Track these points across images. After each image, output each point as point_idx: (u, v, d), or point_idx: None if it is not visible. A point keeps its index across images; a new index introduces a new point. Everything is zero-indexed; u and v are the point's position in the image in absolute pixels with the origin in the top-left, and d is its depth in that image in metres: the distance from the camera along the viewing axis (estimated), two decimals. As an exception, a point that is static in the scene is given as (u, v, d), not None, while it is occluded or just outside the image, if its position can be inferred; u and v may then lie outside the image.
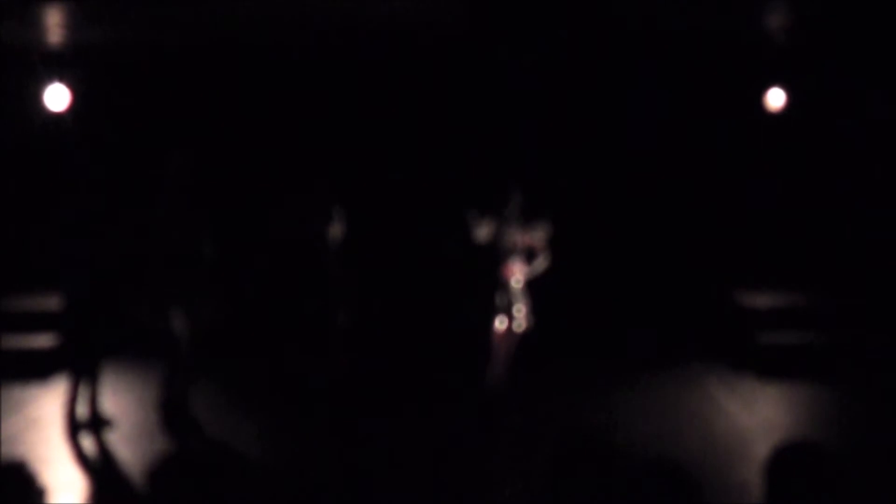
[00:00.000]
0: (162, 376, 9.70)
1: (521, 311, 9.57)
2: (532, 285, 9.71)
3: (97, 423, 9.71)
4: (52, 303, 11.44)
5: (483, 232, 9.47)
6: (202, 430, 9.62)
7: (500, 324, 9.51)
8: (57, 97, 12.34)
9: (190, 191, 9.56)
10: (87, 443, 9.48)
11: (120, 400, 10.46)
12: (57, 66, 12.25)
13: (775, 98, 12.79)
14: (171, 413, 9.66)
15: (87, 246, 9.55)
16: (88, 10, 9.40)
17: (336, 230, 9.72)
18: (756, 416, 10.26)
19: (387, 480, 8.42)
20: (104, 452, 9.32)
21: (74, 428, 9.65)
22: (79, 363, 9.75)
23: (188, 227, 9.52)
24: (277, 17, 9.60)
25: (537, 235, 9.64)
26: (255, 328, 10.67)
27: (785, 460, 3.83)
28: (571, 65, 12.93)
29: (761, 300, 12.29)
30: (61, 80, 12.32)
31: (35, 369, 11.17)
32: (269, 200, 9.77)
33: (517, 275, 9.59)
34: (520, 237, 9.58)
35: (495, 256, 9.51)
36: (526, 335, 9.69)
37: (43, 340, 11.50)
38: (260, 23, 9.92)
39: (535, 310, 9.69)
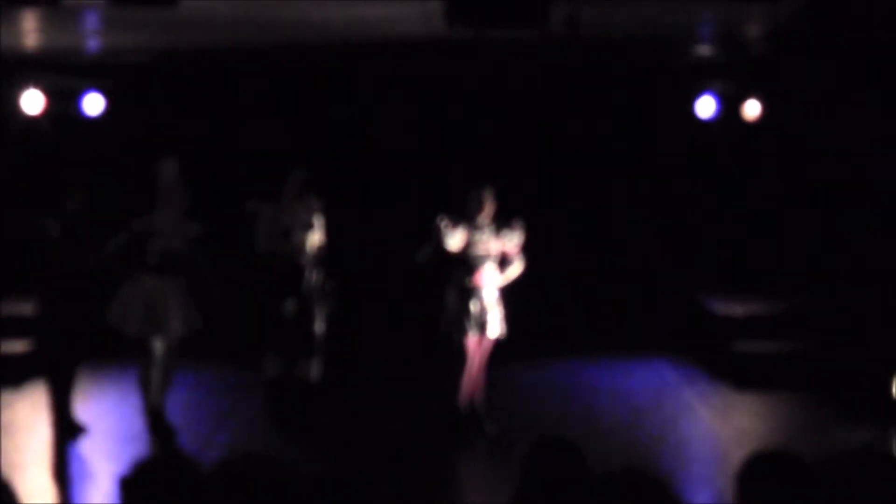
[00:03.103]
0: (138, 382, 9.65)
1: (495, 318, 9.55)
2: (506, 292, 9.70)
3: (72, 430, 9.64)
4: (24, 308, 11.36)
5: (456, 239, 9.44)
6: (179, 436, 9.58)
7: (473, 331, 9.48)
8: (32, 102, 12.30)
9: (176, 198, 9.55)
10: (61, 449, 9.41)
11: (95, 406, 10.40)
12: (34, 71, 12.20)
13: (751, 107, 12.85)
14: (149, 419, 9.62)
15: (65, 251, 9.50)
16: (68, 15, 9.35)
17: (315, 237, 9.70)
18: (732, 425, 10.28)
19: (362, 488, 8.38)
20: (78, 459, 9.27)
21: (49, 434, 9.58)
22: (54, 369, 9.68)
23: (171, 234, 9.51)
24: (256, 27, 9.59)
25: (511, 241, 9.62)
26: (234, 333, 10.64)
27: (760, 469, 3.82)
28: (545, 70, 12.95)
29: (739, 308, 12.31)
30: (36, 84, 12.27)
31: (7, 375, 11.08)
32: (249, 207, 9.74)
33: (491, 281, 9.57)
34: (493, 243, 9.56)
35: (468, 263, 9.49)
36: (500, 342, 9.67)
37: (15, 346, 11.42)
38: (239, 31, 9.90)
39: (510, 316, 9.67)
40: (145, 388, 9.62)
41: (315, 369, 9.73)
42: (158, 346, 9.56)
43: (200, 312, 9.65)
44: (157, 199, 9.58)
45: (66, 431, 9.60)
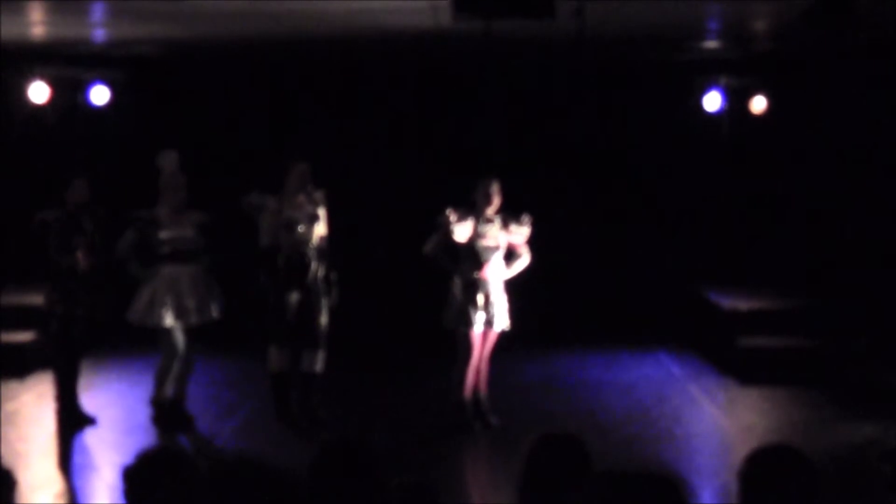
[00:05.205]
0: (158, 372, 9.64)
1: (500, 311, 9.53)
2: (512, 284, 9.69)
3: (79, 421, 9.65)
4: (29, 298, 11.37)
5: (463, 231, 9.43)
6: (188, 427, 9.58)
7: (479, 324, 9.47)
8: (38, 92, 12.31)
9: (177, 188, 9.55)
10: (66, 440, 9.42)
11: (100, 397, 10.42)
12: (39, 61, 12.21)
13: (758, 102, 12.86)
14: (163, 410, 9.62)
15: (68, 242, 9.51)
16: (74, 6, 9.36)
17: (319, 230, 9.69)
18: (737, 420, 10.27)
19: (367, 479, 8.38)
20: (82, 450, 9.27)
21: (54, 424, 9.60)
22: (61, 359, 9.69)
23: (177, 224, 9.51)
24: (261, 19, 9.59)
25: (518, 234, 9.61)
26: (238, 326, 10.64)
27: (764, 464, 3.82)
28: (551, 63, 12.94)
29: (744, 303, 12.29)
30: (41, 75, 12.29)
31: (12, 365, 11.10)
32: (253, 199, 9.74)
33: (497, 274, 9.56)
34: (500, 236, 9.55)
35: (475, 255, 9.48)
36: (505, 335, 9.66)
37: (20, 336, 11.44)
38: (244, 23, 9.90)
39: (515, 309, 9.66)
40: (164, 378, 9.61)
41: (319, 362, 9.71)
42: (180, 336, 9.55)
43: (218, 301, 9.66)
44: (159, 190, 9.59)
45: (72, 422, 9.61)
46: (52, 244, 9.51)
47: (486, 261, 9.50)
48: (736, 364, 11.63)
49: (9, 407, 10.24)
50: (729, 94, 13.01)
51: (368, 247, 12.72)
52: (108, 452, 9.12)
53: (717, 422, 10.31)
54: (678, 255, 13.38)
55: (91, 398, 10.09)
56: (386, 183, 13.26)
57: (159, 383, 9.63)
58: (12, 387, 10.81)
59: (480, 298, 9.46)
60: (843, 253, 12.25)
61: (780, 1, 8.60)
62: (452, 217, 9.44)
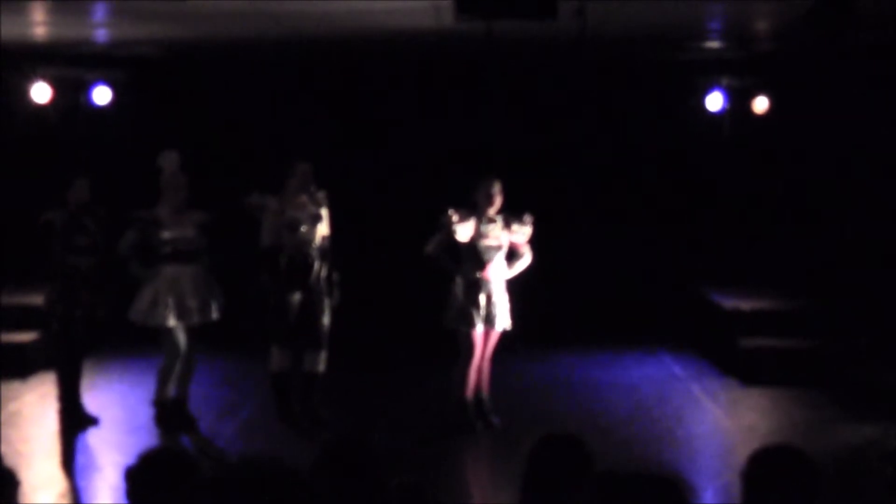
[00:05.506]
0: (161, 372, 9.63)
1: (502, 311, 9.54)
2: (513, 284, 9.69)
3: (82, 421, 9.65)
4: (31, 298, 11.37)
5: (465, 230, 9.44)
6: (188, 428, 9.57)
7: (481, 323, 9.47)
8: (40, 92, 12.31)
9: (178, 188, 9.54)
10: (68, 440, 9.43)
11: (102, 397, 10.42)
12: (41, 62, 12.22)
13: (760, 102, 12.86)
14: (165, 410, 9.61)
15: (69, 242, 9.52)
16: (76, 7, 9.36)
17: (321, 230, 9.69)
18: (739, 421, 10.28)
19: (367, 479, 8.37)
20: (84, 450, 9.28)
21: (56, 424, 9.60)
22: (64, 360, 9.69)
23: (178, 224, 9.51)
24: (262, 19, 9.59)
25: (520, 234, 9.62)
26: (240, 326, 10.65)
27: (766, 465, 3.82)
28: (553, 64, 12.94)
29: (746, 303, 12.29)
30: (43, 76, 12.29)
31: (14, 365, 11.10)
32: (254, 200, 9.73)
33: (499, 274, 9.56)
34: (502, 236, 9.55)
35: (477, 255, 9.48)
36: (506, 335, 9.67)
37: (23, 336, 11.44)
38: (245, 23, 9.90)
39: (517, 309, 9.66)
40: (166, 378, 9.60)
41: (321, 362, 9.71)
42: (182, 336, 9.55)
43: (218, 301, 9.65)
44: (160, 190, 9.59)
45: (74, 422, 9.62)
46: (55, 245, 9.52)
47: (489, 261, 9.51)
48: (737, 364, 11.63)
49: (11, 407, 10.25)
50: (731, 95, 13.02)
51: (369, 247, 12.72)
52: (111, 453, 9.13)
53: (718, 422, 10.31)
54: (679, 255, 13.37)
55: (93, 398, 10.09)
56: (386, 183, 13.26)
57: (161, 383, 9.63)
58: (14, 387, 10.82)
59: (482, 298, 9.47)
60: (844, 253, 12.25)
61: (781, 1, 8.60)
62: (454, 217, 9.44)
